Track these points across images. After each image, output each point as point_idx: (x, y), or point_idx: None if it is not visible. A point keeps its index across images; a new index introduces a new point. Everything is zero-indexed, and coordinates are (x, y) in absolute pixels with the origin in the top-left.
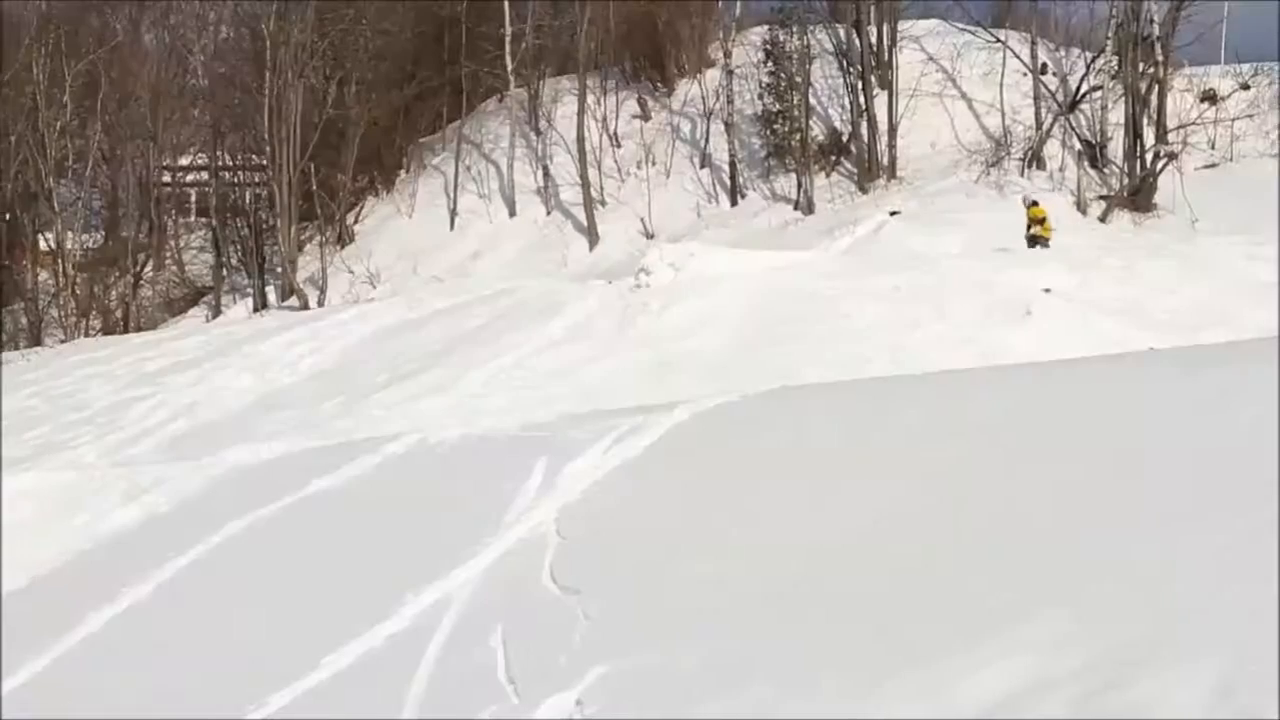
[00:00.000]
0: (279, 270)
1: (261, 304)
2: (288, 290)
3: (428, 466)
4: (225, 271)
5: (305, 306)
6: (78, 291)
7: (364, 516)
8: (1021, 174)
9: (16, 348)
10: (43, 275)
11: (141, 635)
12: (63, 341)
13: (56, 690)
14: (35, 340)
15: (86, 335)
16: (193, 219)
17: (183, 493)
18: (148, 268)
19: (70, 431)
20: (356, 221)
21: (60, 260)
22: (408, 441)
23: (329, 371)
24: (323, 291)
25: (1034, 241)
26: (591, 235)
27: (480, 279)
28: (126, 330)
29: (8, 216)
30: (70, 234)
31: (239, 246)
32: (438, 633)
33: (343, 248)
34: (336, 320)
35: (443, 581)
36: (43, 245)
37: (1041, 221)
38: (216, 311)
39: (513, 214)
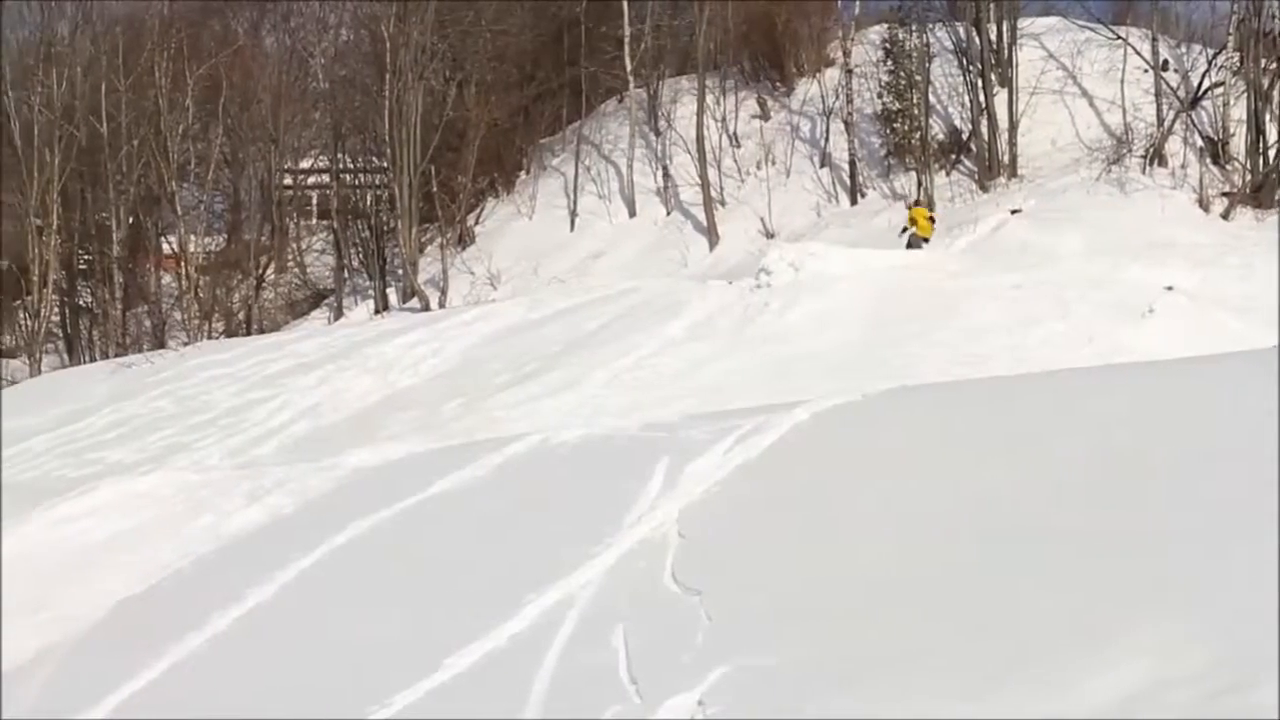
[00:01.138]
0: (400, 272)
1: (383, 306)
2: (409, 292)
3: (549, 467)
4: (346, 273)
5: (426, 308)
6: (201, 294)
7: (486, 517)
8: (1143, 171)
9: (141, 350)
10: (166, 278)
11: (266, 636)
12: (186, 344)
13: (180, 691)
14: (159, 343)
15: (209, 338)
16: (314, 221)
17: (306, 494)
18: (270, 270)
19: (195, 433)
20: (477, 223)
21: (183, 263)
22: (529, 442)
23: (450, 373)
24: (444, 293)
25: (912, 242)
26: (711, 235)
27: (600, 279)
28: (249, 332)
29: (131, 220)
30: (193, 237)
31: (360, 248)
32: (560, 633)
33: (463, 249)
34: (457, 321)
35: (565, 581)
36: (166, 249)
37: (917, 222)
38: (338, 313)
39: (633, 214)
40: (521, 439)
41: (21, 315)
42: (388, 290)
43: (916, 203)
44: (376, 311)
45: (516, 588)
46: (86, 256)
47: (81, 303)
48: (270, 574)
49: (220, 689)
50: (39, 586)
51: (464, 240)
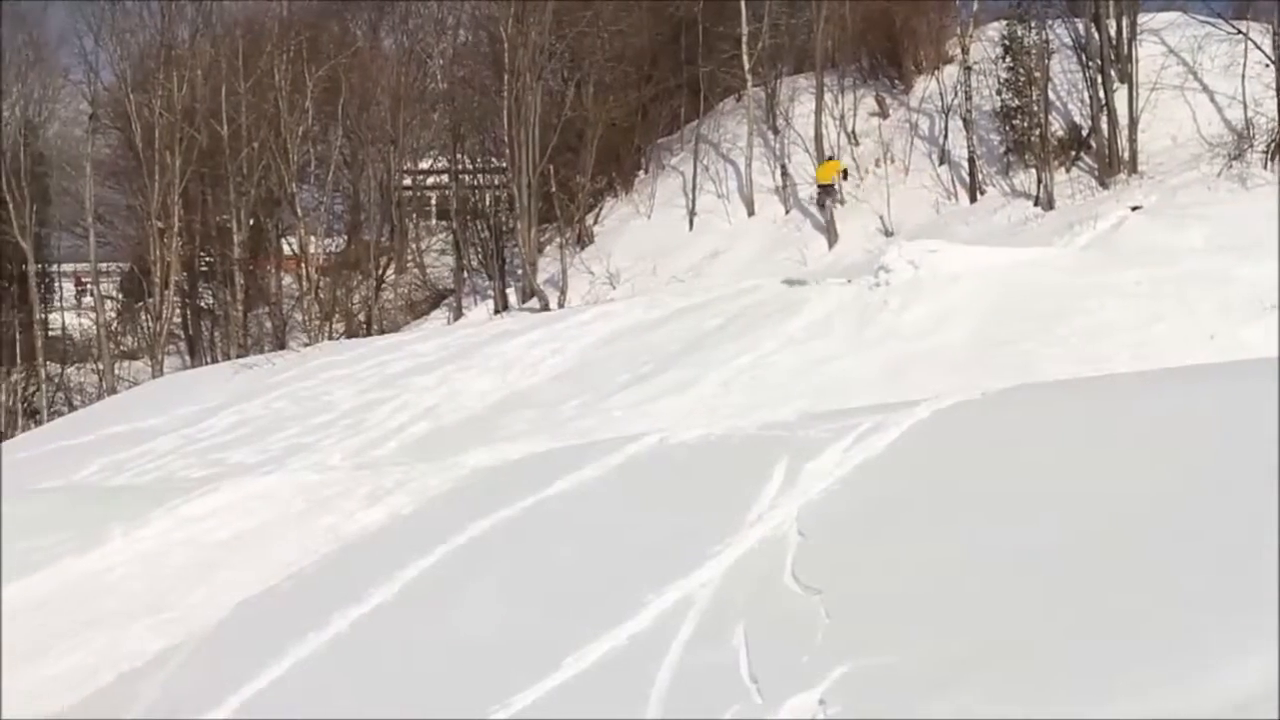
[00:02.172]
0: (519, 272)
1: (502, 305)
2: (528, 292)
3: (668, 467)
4: (466, 274)
5: (545, 308)
6: (321, 295)
7: (605, 516)
8: (1265, 166)
9: (262, 351)
10: (286, 279)
11: (386, 636)
12: (307, 344)
13: (302, 691)
14: (280, 344)
15: (330, 338)
16: (433, 222)
17: (426, 494)
18: (389, 271)
19: (315, 434)
20: (596, 222)
21: (304, 264)
22: (648, 442)
23: (569, 372)
24: (563, 292)
25: (823, 196)
26: (830, 233)
27: (719, 278)
28: (369, 333)
29: (252, 222)
30: (313, 238)
31: (479, 249)
32: (680, 632)
33: (582, 249)
34: (576, 321)
35: (684, 581)
36: (286, 250)
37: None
38: (458, 313)
39: (751, 213)
40: (640, 439)
41: (143, 317)
42: (507, 290)
43: (830, 157)
44: (496, 311)
45: (636, 587)
46: (208, 258)
47: (203, 304)
48: (391, 574)
49: (341, 689)
50: (161, 586)
51: (583, 240)
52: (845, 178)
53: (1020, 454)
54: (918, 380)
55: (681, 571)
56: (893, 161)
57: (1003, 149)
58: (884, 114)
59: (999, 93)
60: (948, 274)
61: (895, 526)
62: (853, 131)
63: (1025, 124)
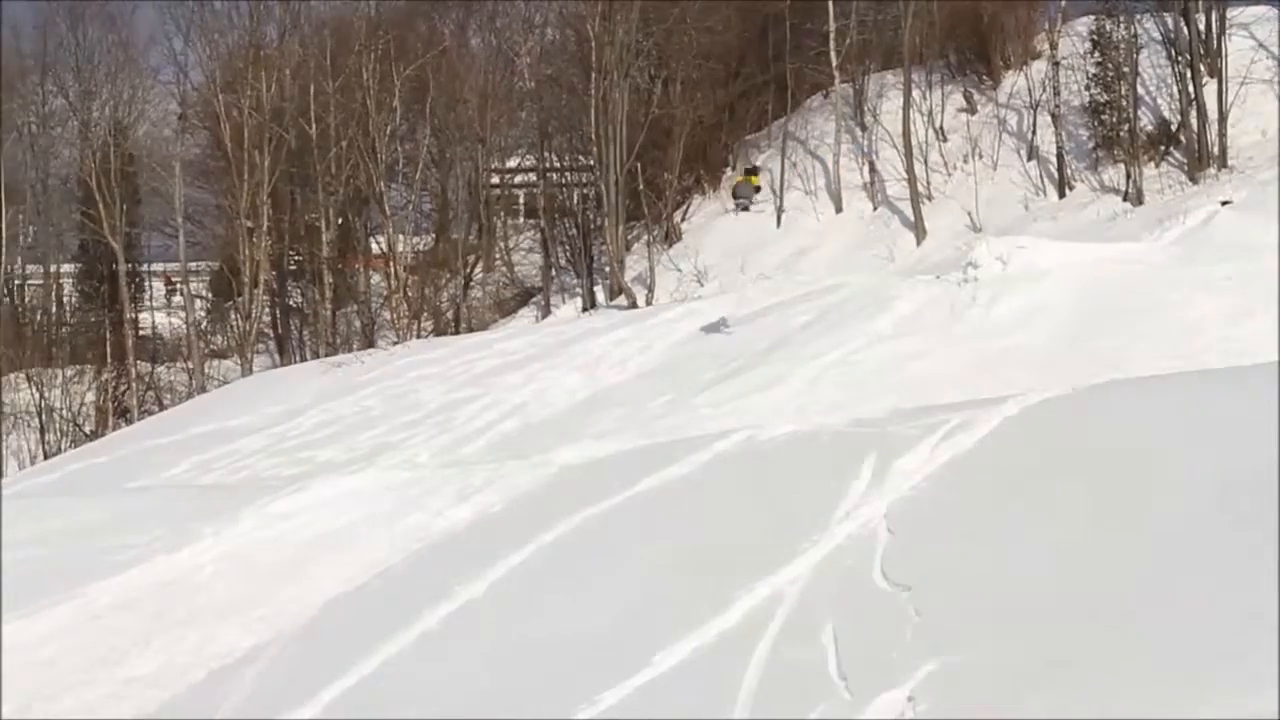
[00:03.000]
0: (607, 270)
1: (590, 303)
2: (616, 289)
3: (757, 464)
4: (554, 271)
5: (633, 305)
6: (409, 293)
7: (694, 514)
8: None
9: (350, 349)
10: (375, 278)
11: (475, 633)
12: (395, 343)
13: (391, 689)
14: (368, 342)
15: (418, 337)
16: (521, 220)
17: (514, 491)
18: (477, 269)
19: (404, 432)
20: (683, 220)
21: (392, 263)
22: (736, 439)
23: (657, 370)
24: (650, 290)
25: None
26: (918, 230)
27: (807, 275)
28: (457, 331)
29: (340, 221)
30: (401, 237)
31: (567, 246)
32: (769, 629)
33: (670, 246)
34: (664, 319)
35: (774, 578)
36: (375, 248)
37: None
38: (546, 311)
39: (839, 210)
40: (728, 436)
41: (233, 316)
42: (594, 288)
43: (751, 171)
44: (583, 309)
45: (725, 584)
46: (296, 257)
47: (292, 303)
48: (480, 571)
49: (430, 687)
50: (251, 585)
51: (670, 237)
52: (757, 190)
53: (1111, 450)
54: (1006, 376)
55: (770, 568)
56: (981, 157)
57: (1091, 144)
58: (972, 110)
59: (1087, 88)
60: (1036, 270)
61: (985, 524)
62: (940, 127)
63: (1114, 119)
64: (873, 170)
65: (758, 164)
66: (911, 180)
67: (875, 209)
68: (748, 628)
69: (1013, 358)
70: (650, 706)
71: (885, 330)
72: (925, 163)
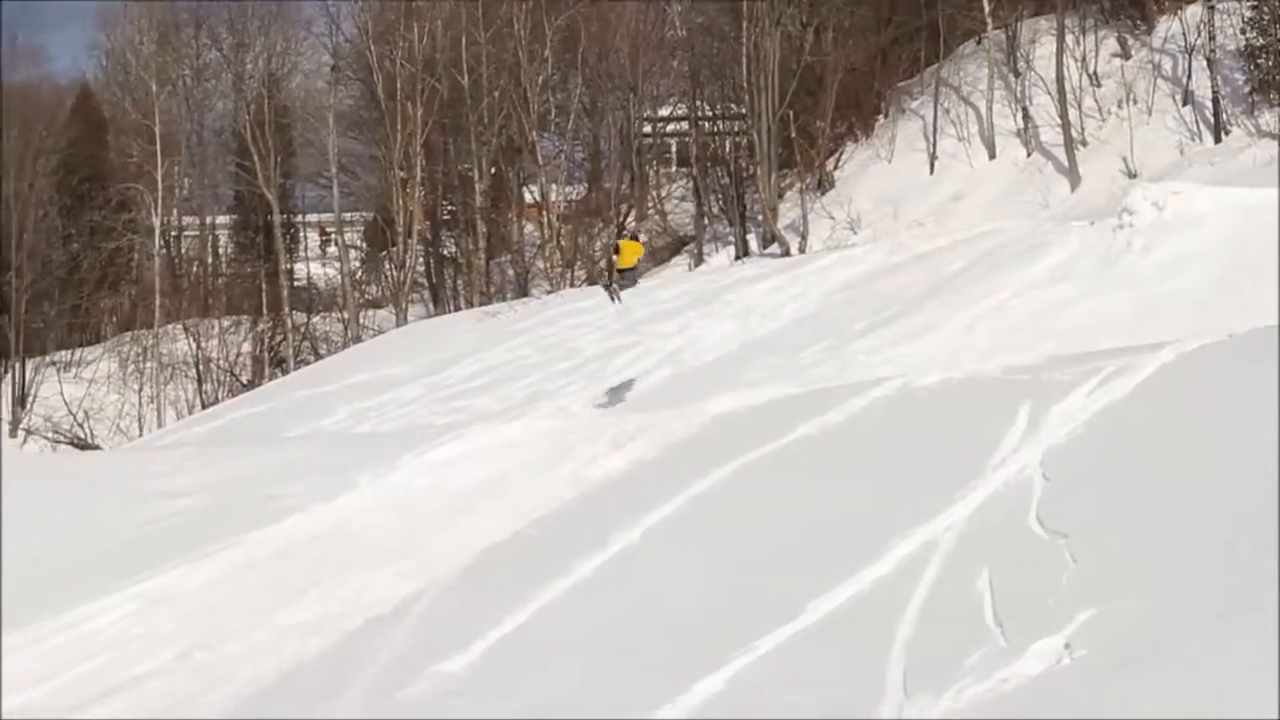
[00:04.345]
0: (759, 218)
1: (743, 251)
2: (768, 237)
3: (911, 411)
4: (706, 220)
5: (786, 253)
6: (562, 243)
7: (848, 461)
8: None
9: (504, 299)
10: (528, 227)
11: (630, 581)
12: (549, 292)
13: (547, 636)
14: (522, 291)
15: (571, 286)
16: (673, 169)
17: (668, 439)
18: (630, 218)
19: (558, 380)
20: (836, 167)
21: (545, 212)
22: (890, 386)
23: (811, 317)
24: (803, 238)
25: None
26: (1072, 176)
27: (960, 222)
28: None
29: (493, 171)
30: (554, 186)
31: (720, 195)
32: (924, 576)
33: (823, 194)
34: (817, 266)
35: (929, 525)
36: (528, 198)
37: (621, 252)
38: (698, 260)
39: (992, 156)
40: (882, 383)
41: (387, 266)
42: (747, 236)
43: (633, 236)
44: (736, 257)
45: (880, 531)
46: (450, 207)
47: (445, 252)
48: (634, 519)
49: (586, 634)
50: (407, 533)
51: (823, 185)
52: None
53: (1267, 398)
54: (1162, 323)
55: (925, 516)
56: (1135, 103)
57: (1247, 89)
58: (1126, 55)
59: (1243, 31)
60: (1192, 216)
61: (1141, 470)
62: (1094, 73)
63: (1270, 63)
64: (1026, 116)
65: (637, 234)
66: (1065, 126)
67: (1029, 155)
68: (903, 575)
69: (1168, 304)
70: (804, 653)
71: (1040, 277)
72: (1079, 108)
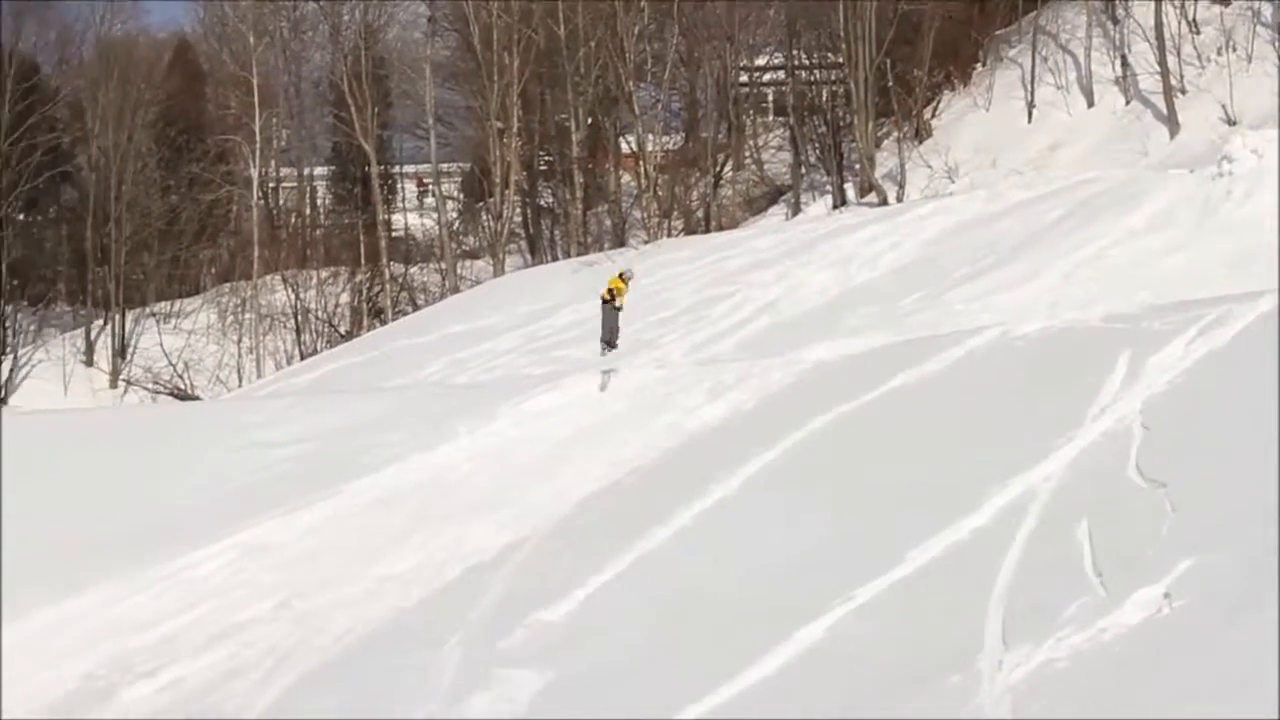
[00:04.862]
0: (857, 167)
1: (840, 201)
2: (865, 186)
3: (1009, 360)
4: (803, 169)
5: (884, 202)
6: (659, 192)
7: (946, 410)
8: None
9: (601, 248)
10: (625, 177)
11: (728, 529)
12: (646, 242)
13: (646, 585)
14: (619, 241)
15: (668, 235)
16: (770, 118)
17: (766, 389)
18: (727, 167)
19: (656, 330)
20: (933, 116)
21: (642, 162)
22: (989, 335)
23: (908, 266)
24: (901, 187)
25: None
26: (1171, 124)
27: (1058, 171)
28: (707, 230)
29: (590, 121)
30: (650, 136)
31: (817, 144)
32: (1023, 526)
33: (920, 143)
34: (915, 215)
35: (1027, 474)
36: (624, 148)
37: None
38: (795, 209)
39: (1090, 104)
40: (980, 332)
41: (484, 216)
42: (844, 185)
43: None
44: (834, 207)
45: (978, 481)
46: (547, 157)
47: (542, 203)
48: (732, 469)
49: (685, 583)
50: (505, 483)
51: (920, 134)
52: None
53: None
54: (1262, 272)
55: (1024, 465)
56: (1235, 50)
57: None
58: (1225, 1)
59: None
60: None
61: (1240, 420)
62: (1193, 20)
63: None
64: (1124, 64)
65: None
66: (1164, 73)
67: (1127, 103)
68: (1001, 524)
69: (1268, 252)
70: (903, 603)
71: (1138, 225)
72: (1178, 55)
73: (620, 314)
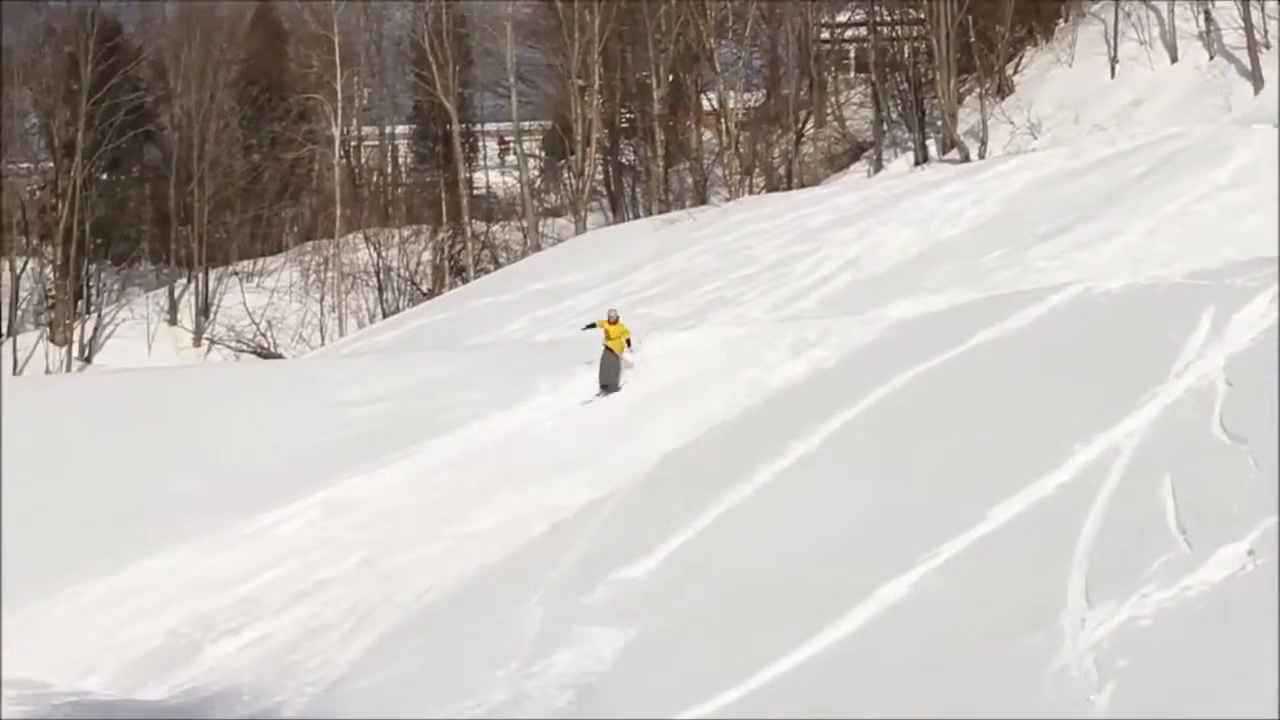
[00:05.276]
0: (939, 123)
1: (921, 158)
2: (947, 143)
3: (1092, 316)
4: (885, 126)
5: (965, 159)
6: (741, 150)
7: (1029, 367)
8: None
9: (683, 206)
10: (706, 135)
11: (810, 487)
12: (727, 199)
13: (729, 542)
14: (701, 199)
15: (750, 192)
16: (852, 75)
17: (848, 346)
18: (809, 124)
19: (738, 287)
20: (1015, 72)
21: (723, 119)
22: (1072, 291)
23: (990, 223)
24: (983, 143)
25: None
26: (1255, 79)
27: (1142, 127)
28: (789, 187)
29: (671, 78)
30: (732, 93)
31: (898, 101)
32: (1106, 482)
33: (1002, 99)
34: (997, 172)
35: (1111, 431)
36: (706, 105)
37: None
38: (877, 166)
39: (1174, 59)
40: (1063, 289)
41: (566, 174)
42: (926, 142)
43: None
44: (915, 163)
45: (1062, 437)
46: (628, 115)
47: (624, 160)
48: (814, 426)
49: (766, 540)
50: (588, 440)
51: (1002, 90)
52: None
53: None
54: None
55: (1107, 422)
56: None
57: None
58: None
59: None
60: None
61: None
62: None
63: None
64: (1208, 19)
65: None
66: (1248, 28)
67: (1211, 58)
68: (1085, 481)
69: None
70: (986, 560)
71: (1222, 180)
72: (1262, 10)
73: (624, 356)
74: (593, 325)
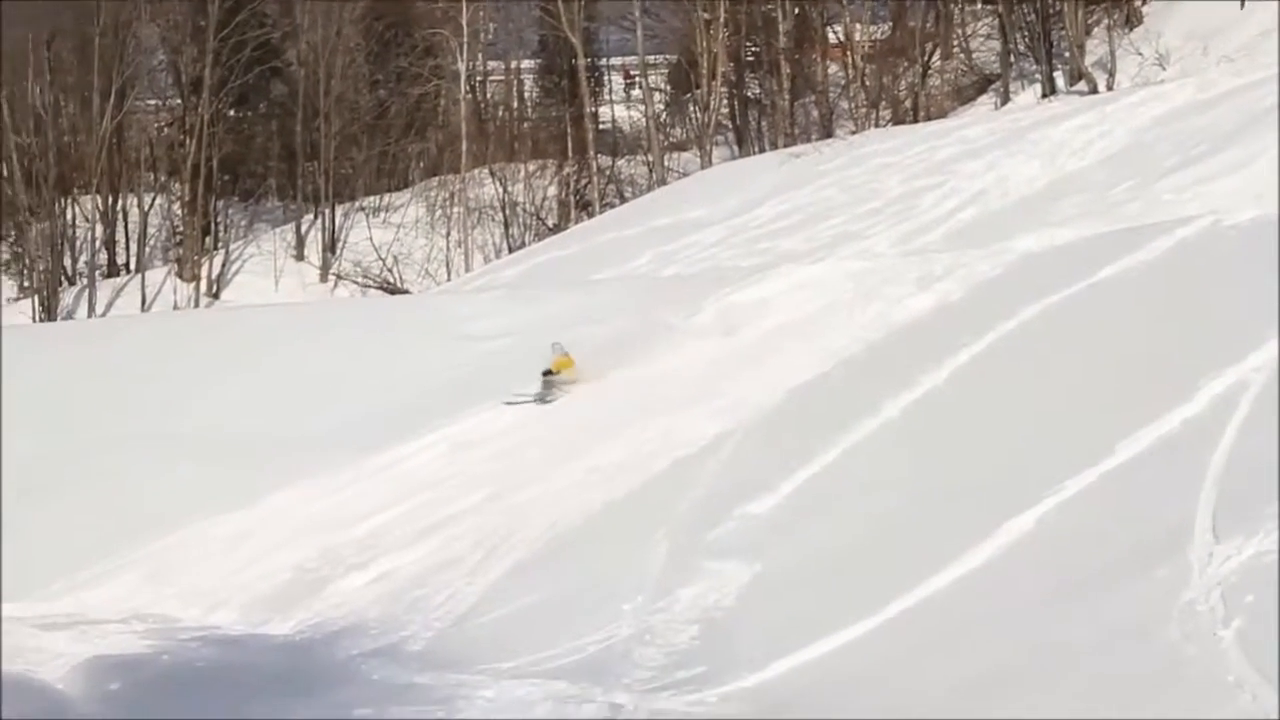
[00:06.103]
0: (1066, 55)
1: (1049, 89)
2: (1075, 75)
3: (1222, 250)
4: (1012, 58)
5: (1093, 91)
6: (867, 83)
7: (1157, 301)
8: None
9: (808, 140)
10: (832, 68)
11: (937, 421)
12: (853, 133)
13: (854, 476)
14: (826, 132)
15: (876, 126)
16: (979, 6)
17: (974, 280)
18: (935, 57)
19: (863, 221)
20: (1144, 3)
21: (849, 52)
22: (1200, 225)
23: (1118, 155)
24: (1111, 75)
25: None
26: None
27: (1272, 58)
28: (916, 120)
29: (798, 11)
30: (858, 25)
31: (1026, 32)
32: (1234, 417)
33: (1130, 30)
34: (1125, 104)
35: (1239, 365)
36: (832, 38)
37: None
38: (1004, 98)
39: None
40: (1191, 222)
41: (691, 108)
42: (1054, 74)
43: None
44: (1043, 95)
45: (1189, 372)
46: (753, 48)
47: (749, 94)
48: (940, 359)
49: (893, 474)
50: (714, 374)
51: (1131, 21)
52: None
53: None
54: None
55: (1235, 356)
56: None
57: None
58: None
59: None
60: None
61: None
62: None
63: None
64: None
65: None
66: None
67: None
68: (1212, 415)
69: None
70: (1112, 495)
71: None
72: None
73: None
74: (549, 372)
